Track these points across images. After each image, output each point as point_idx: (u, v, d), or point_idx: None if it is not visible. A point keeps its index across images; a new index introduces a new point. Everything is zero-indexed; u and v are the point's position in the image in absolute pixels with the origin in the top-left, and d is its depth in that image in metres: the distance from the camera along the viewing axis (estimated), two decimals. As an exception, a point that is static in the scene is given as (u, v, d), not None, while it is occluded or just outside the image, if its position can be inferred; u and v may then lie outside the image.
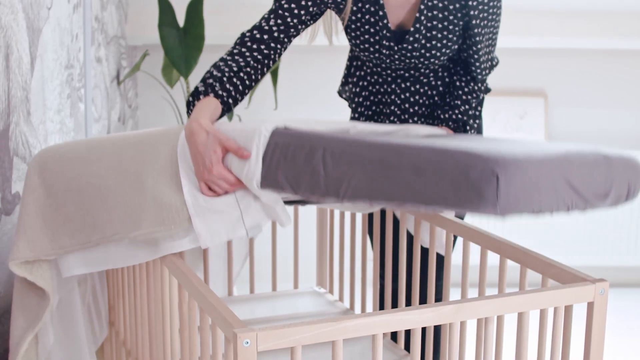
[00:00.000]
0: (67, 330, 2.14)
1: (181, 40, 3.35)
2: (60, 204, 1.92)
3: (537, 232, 3.98)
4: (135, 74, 3.92)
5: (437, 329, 2.23)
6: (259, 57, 1.93)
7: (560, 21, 4.06)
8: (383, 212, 2.26)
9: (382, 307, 2.33)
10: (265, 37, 1.94)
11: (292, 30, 1.98)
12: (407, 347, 2.26)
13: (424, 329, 2.21)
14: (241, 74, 1.88)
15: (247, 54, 1.91)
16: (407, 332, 2.27)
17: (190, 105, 1.86)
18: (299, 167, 1.50)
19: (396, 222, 2.23)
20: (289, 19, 1.97)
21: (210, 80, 1.84)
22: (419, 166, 1.34)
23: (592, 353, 1.54)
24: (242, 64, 1.90)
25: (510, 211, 1.31)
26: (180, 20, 3.63)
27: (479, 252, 1.85)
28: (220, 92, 1.83)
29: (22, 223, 1.94)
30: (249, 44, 1.93)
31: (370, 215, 2.31)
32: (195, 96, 1.85)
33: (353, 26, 2.04)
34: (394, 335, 2.23)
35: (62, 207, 1.92)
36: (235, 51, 1.92)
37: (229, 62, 1.89)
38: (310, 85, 3.98)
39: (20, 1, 2.16)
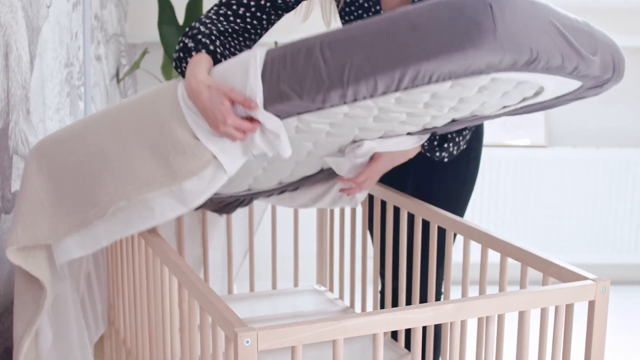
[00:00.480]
0: (59, 327, 2.14)
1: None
2: (58, 184, 1.90)
3: (537, 231, 3.98)
4: (135, 72, 3.92)
5: (438, 328, 2.23)
6: (243, 24, 1.87)
7: (560, 19, 4.06)
8: (384, 210, 2.26)
9: (382, 306, 2.32)
10: (252, 4, 1.90)
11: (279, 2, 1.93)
12: (408, 345, 2.26)
13: (424, 328, 2.21)
14: (228, 36, 1.84)
15: (232, 18, 1.85)
16: (408, 331, 2.26)
17: (180, 62, 1.81)
18: (299, 70, 1.50)
19: (396, 220, 2.22)
20: None
21: (200, 37, 1.78)
22: (415, 22, 1.38)
23: (593, 352, 1.54)
24: (228, 27, 1.83)
25: (509, 41, 1.35)
26: (180, 18, 3.62)
27: (480, 251, 1.84)
28: (212, 48, 1.78)
29: (20, 209, 1.93)
30: (234, 7, 1.87)
31: (371, 212, 2.31)
32: (185, 52, 1.80)
33: (347, 9, 2.03)
34: (394, 334, 2.23)
35: (59, 187, 1.90)
36: (221, 11, 1.87)
37: (215, 21, 1.84)
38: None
39: (20, 0, 2.16)
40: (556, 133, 4.18)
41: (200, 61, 1.75)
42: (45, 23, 2.40)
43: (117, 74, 3.49)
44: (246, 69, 1.58)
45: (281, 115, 1.61)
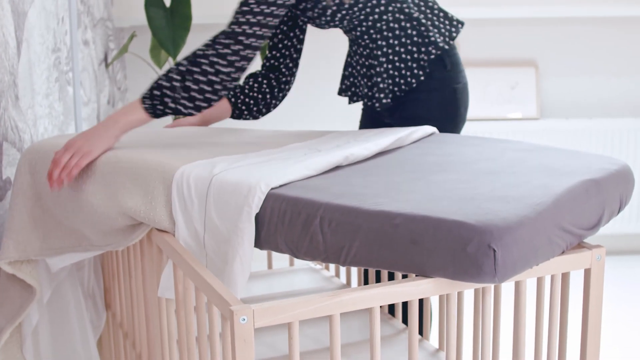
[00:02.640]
0: (58, 325, 2.15)
1: (168, 20, 3.32)
2: (50, 207, 1.95)
3: (531, 203, 3.97)
4: (124, 56, 3.90)
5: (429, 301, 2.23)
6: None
7: (548, -10, 4.05)
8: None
9: (378, 281, 2.32)
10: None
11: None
12: (405, 320, 2.26)
13: (421, 302, 2.21)
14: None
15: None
16: (405, 306, 2.26)
17: (149, 99, 1.87)
18: (297, 234, 1.48)
19: None
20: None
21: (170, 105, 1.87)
22: (416, 239, 1.34)
23: (590, 319, 1.54)
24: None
25: (507, 277, 1.32)
26: (167, 0, 3.60)
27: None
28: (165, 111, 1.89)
29: (12, 224, 1.97)
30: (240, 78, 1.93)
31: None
32: (154, 100, 1.87)
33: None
34: (391, 310, 2.23)
35: (50, 210, 1.96)
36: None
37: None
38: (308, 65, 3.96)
39: (4, -16, 2.14)
40: (548, 105, 4.18)
41: (139, 121, 1.89)
42: (31, 8, 2.38)
43: (106, 59, 3.47)
44: (241, 204, 1.56)
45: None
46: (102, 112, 3.34)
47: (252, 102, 2.29)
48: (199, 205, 1.63)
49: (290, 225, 1.49)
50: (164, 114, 1.88)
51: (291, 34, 2.30)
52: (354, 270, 3.83)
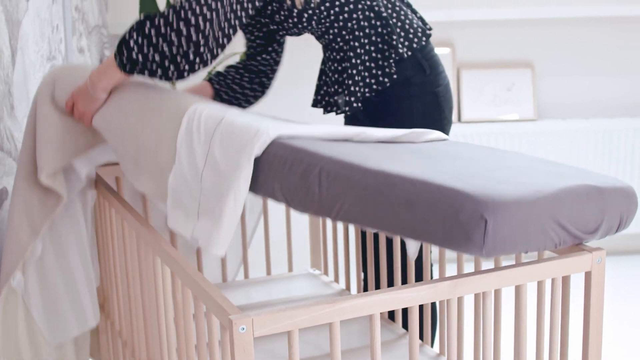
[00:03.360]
0: (62, 255, 2.20)
1: (163, 26, 3.32)
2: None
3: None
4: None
5: (434, 305, 2.22)
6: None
7: (544, -9, 4.05)
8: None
9: (377, 287, 2.32)
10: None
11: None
12: (405, 325, 2.25)
13: (421, 307, 2.21)
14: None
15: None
16: (405, 311, 2.26)
17: (122, 56, 1.87)
18: (295, 183, 1.49)
19: None
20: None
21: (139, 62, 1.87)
22: (411, 200, 1.34)
23: (591, 322, 1.53)
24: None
25: (495, 253, 1.32)
26: (162, 5, 3.60)
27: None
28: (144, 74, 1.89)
29: (43, 137, 2.05)
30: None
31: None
32: (128, 57, 1.86)
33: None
34: (391, 315, 2.22)
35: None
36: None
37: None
38: (300, 65, 3.96)
39: (-2, -7, 2.13)
40: (545, 106, 4.18)
41: (116, 78, 1.92)
42: (25, 16, 2.37)
43: (101, 66, 3.46)
44: (245, 143, 1.57)
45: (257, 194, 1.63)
46: (98, 119, 3.33)
47: (234, 91, 2.32)
48: (204, 141, 1.65)
49: (290, 172, 1.50)
50: (135, 72, 1.89)
51: (269, 48, 2.31)
52: (353, 274, 3.82)
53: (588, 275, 1.52)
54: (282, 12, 2.09)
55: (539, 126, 4.02)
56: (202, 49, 1.82)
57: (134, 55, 1.83)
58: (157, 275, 1.75)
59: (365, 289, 2.32)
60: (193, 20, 1.80)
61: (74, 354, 2.28)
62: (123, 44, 1.85)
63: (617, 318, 3.38)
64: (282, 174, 1.51)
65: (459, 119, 4.09)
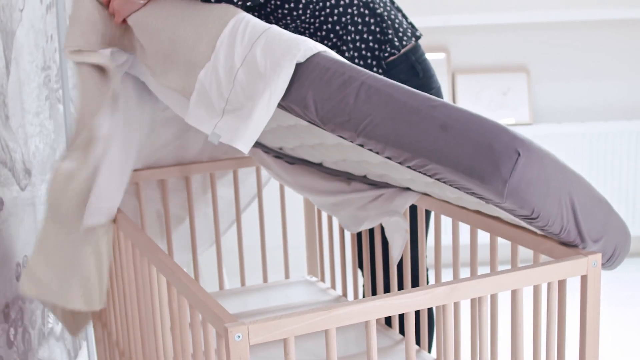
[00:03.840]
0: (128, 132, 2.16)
1: (158, 35, 3.32)
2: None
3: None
4: (114, 72, 3.89)
5: (431, 310, 2.22)
6: None
7: (538, -5, 4.06)
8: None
9: (374, 292, 2.31)
10: None
11: None
12: (402, 331, 2.25)
13: (417, 312, 2.20)
14: None
15: None
16: (401, 316, 2.26)
17: None
18: (330, 91, 1.48)
19: None
20: None
21: None
22: (447, 124, 1.34)
23: (588, 326, 1.53)
24: None
25: (514, 195, 1.31)
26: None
27: (469, 232, 1.84)
28: None
29: (78, 15, 1.98)
30: None
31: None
32: None
33: None
34: (387, 320, 2.22)
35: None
36: None
37: None
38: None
39: (-9, 4, 2.13)
40: (540, 110, 4.18)
41: None
42: (19, 27, 2.37)
43: (96, 75, 3.46)
44: (289, 48, 1.55)
45: (284, 108, 1.60)
46: (93, 128, 3.33)
47: None
48: (248, 41, 1.63)
49: (329, 82, 1.49)
50: None
51: None
52: (350, 280, 3.81)
53: (584, 279, 1.52)
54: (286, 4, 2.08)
55: (535, 130, 4.02)
56: None
57: None
58: (152, 284, 1.75)
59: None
60: None
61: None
62: None
63: (616, 321, 3.38)
64: (320, 82, 1.50)
65: (455, 124, 4.09)
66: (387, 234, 2.02)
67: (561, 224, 1.43)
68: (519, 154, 1.28)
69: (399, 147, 1.38)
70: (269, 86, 1.53)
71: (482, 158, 1.29)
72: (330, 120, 1.47)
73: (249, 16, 1.69)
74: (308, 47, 1.54)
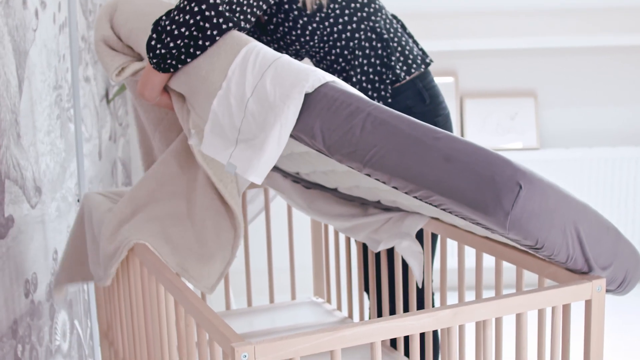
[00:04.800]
0: None
1: (169, 56, 3.34)
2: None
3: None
4: (125, 92, 3.92)
5: (436, 333, 2.23)
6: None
7: (547, 20, 4.07)
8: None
9: (380, 315, 2.32)
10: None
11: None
12: (407, 352, 2.26)
13: (422, 334, 2.21)
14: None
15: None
16: (406, 338, 2.26)
17: (161, 56, 1.77)
18: (337, 122, 1.49)
19: None
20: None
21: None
22: (451, 156, 1.35)
23: (592, 350, 1.53)
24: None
25: (517, 227, 1.32)
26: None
27: (475, 255, 1.85)
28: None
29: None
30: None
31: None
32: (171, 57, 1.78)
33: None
34: (393, 342, 2.23)
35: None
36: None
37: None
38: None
39: (6, 24, 2.16)
40: (548, 135, 4.19)
41: (157, 80, 1.82)
42: (32, 47, 2.40)
43: (107, 95, 3.49)
44: (299, 79, 1.56)
45: (293, 137, 1.61)
46: (103, 148, 3.36)
47: None
48: (258, 70, 1.63)
49: (336, 112, 1.50)
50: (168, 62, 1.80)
51: None
52: (356, 302, 3.82)
53: (588, 304, 1.52)
54: (286, 24, 2.11)
55: (542, 155, 4.03)
56: (219, 7, 1.73)
57: (159, 50, 1.77)
58: (160, 304, 1.76)
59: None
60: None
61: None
62: (147, 45, 1.79)
63: (619, 348, 3.37)
64: (327, 113, 1.50)
65: (462, 148, 4.10)
66: (405, 259, 2.04)
67: (567, 253, 1.44)
68: (520, 187, 1.29)
69: (404, 178, 1.39)
70: (279, 118, 1.54)
71: (485, 190, 1.30)
72: (338, 150, 1.48)
73: (260, 45, 1.70)
74: (317, 77, 1.55)
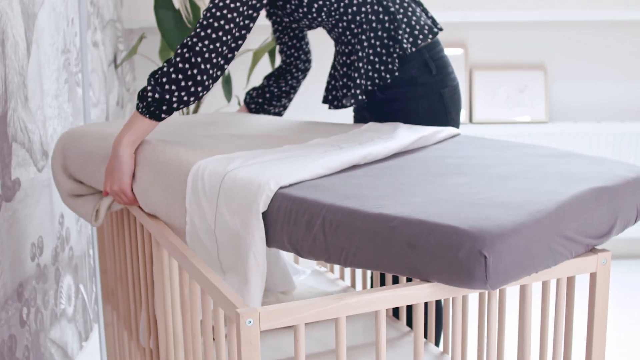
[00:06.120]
0: None
1: (178, 22, 3.33)
2: None
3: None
4: (133, 58, 3.91)
5: (439, 304, 2.23)
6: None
7: (558, -7, 4.05)
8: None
9: (382, 285, 2.33)
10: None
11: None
12: (410, 323, 2.26)
13: (426, 305, 2.21)
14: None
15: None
16: (409, 309, 2.27)
17: (143, 103, 1.87)
18: (301, 234, 1.49)
19: None
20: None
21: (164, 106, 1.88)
22: (412, 243, 1.34)
23: (595, 323, 1.54)
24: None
25: (501, 284, 1.31)
26: (176, 1, 3.61)
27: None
28: (163, 117, 1.90)
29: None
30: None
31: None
32: (148, 104, 1.87)
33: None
34: (395, 313, 2.23)
35: None
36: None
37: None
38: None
39: (14, -14, 2.15)
40: (557, 108, 4.17)
41: (146, 129, 1.90)
42: (40, 10, 2.39)
43: (115, 60, 3.48)
44: (250, 201, 1.57)
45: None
46: (111, 113, 3.35)
47: (269, 104, 2.45)
48: (211, 200, 1.65)
49: (296, 224, 1.50)
50: (163, 112, 1.89)
51: (294, 41, 2.35)
52: (359, 272, 3.83)
53: (593, 277, 1.52)
54: (293, 1, 2.11)
55: (551, 128, 4.02)
56: (210, 72, 1.87)
57: (150, 98, 1.86)
58: (164, 269, 1.77)
59: (371, 280, 2.33)
60: (199, 58, 1.85)
61: None
62: (141, 94, 1.88)
63: (622, 322, 3.38)
64: (289, 225, 1.50)
65: (471, 120, 4.09)
66: None
67: (565, 257, 1.43)
68: (485, 257, 1.26)
69: (383, 269, 1.39)
70: (250, 248, 1.55)
71: (455, 270, 1.29)
72: (317, 257, 1.48)
73: (203, 163, 1.71)
74: (265, 194, 1.54)
